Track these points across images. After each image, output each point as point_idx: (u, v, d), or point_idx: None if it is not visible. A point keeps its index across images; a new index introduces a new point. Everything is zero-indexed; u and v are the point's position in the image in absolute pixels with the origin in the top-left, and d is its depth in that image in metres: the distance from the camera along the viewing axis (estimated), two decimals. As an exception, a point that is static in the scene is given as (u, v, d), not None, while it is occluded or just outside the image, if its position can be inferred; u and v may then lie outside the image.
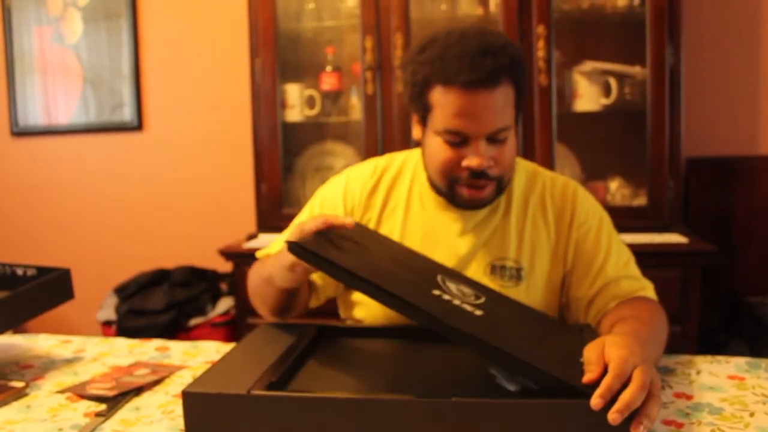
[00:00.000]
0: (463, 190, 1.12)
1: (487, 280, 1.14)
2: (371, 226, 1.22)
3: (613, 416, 0.72)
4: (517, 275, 1.16)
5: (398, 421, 0.79)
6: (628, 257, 1.21)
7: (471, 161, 1.08)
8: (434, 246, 1.18)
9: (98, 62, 2.95)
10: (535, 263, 1.18)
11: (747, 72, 2.45)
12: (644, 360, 0.80)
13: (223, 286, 2.69)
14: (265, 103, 2.39)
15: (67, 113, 3.02)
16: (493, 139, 1.08)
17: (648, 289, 1.18)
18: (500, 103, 1.06)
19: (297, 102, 2.44)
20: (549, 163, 2.19)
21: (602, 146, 2.39)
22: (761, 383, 0.98)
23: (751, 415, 0.87)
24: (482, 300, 0.98)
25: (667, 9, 2.12)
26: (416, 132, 1.18)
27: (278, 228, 1.71)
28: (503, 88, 1.05)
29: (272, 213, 2.40)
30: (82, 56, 2.97)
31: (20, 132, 3.09)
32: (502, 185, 1.14)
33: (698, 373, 1.03)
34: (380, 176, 1.26)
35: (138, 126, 2.95)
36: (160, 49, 2.92)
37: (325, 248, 0.94)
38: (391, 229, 1.22)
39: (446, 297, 0.93)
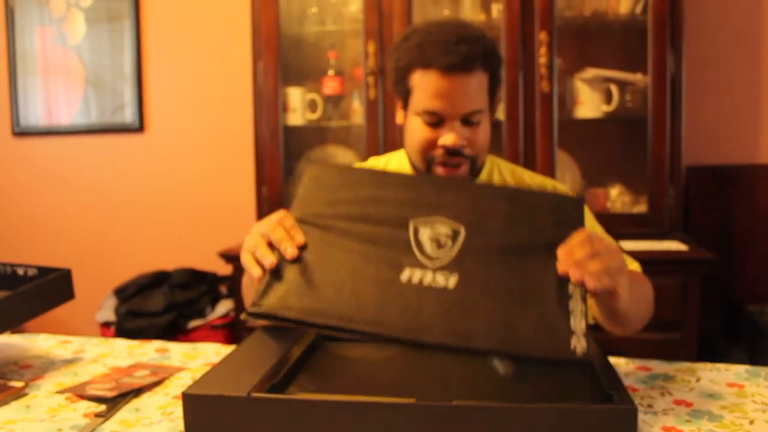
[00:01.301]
0: (439, 168, 1.20)
1: None
2: None
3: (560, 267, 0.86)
4: None
5: (399, 424, 0.79)
6: (616, 247, 1.25)
7: (446, 139, 1.16)
8: None
9: (100, 64, 2.96)
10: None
11: (747, 81, 2.45)
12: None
13: (223, 289, 2.69)
14: (267, 106, 2.40)
15: (68, 114, 3.03)
16: (468, 120, 1.17)
17: (635, 265, 1.24)
18: (474, 87, 1.15)
19: (299, 105, 2.45)
20: (550, 170, 2.19)
21: (603, 153, 2.39)
22: (761, 391, 0.98)
23: (751, 422, 0.87)
24: (459, 244, 0.94)
25: (669, 17, 2.13)
26: (399, 117, 1.27)
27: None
28: (477, 74, 1.15)
29: (273, 216, 2.40)
30: (84, 57, 2.98)
31: (21, 132, 3.09)
32: (475, 166, 1.22)
33: (698, 380, 1.03)
34: None
35: (139, 128, 2.95)
36: (162, 52, 2.92)
37: (289, 297, 0.93)
38: None
39: (417, 275, 0.91)
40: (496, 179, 1.31)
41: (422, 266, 0.92)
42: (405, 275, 0.92)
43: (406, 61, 1.18)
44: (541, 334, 0.85)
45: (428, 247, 0.94)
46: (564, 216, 0.96)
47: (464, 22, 1.21)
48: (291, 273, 0.95)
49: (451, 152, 1.17)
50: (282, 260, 0.96)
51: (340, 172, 1.06)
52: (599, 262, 0.90)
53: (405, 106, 1.23)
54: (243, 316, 0.97)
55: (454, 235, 0.94)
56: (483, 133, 1.20)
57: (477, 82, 1.15)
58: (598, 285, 0.89)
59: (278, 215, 1.01)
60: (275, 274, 0.96)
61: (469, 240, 0.94)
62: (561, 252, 0.92)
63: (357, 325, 0.90)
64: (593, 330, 1.13)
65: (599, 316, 1.09)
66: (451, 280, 0.91)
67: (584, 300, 0.89)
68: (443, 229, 0.95)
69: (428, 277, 0.91)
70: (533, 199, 0.99)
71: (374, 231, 0.96)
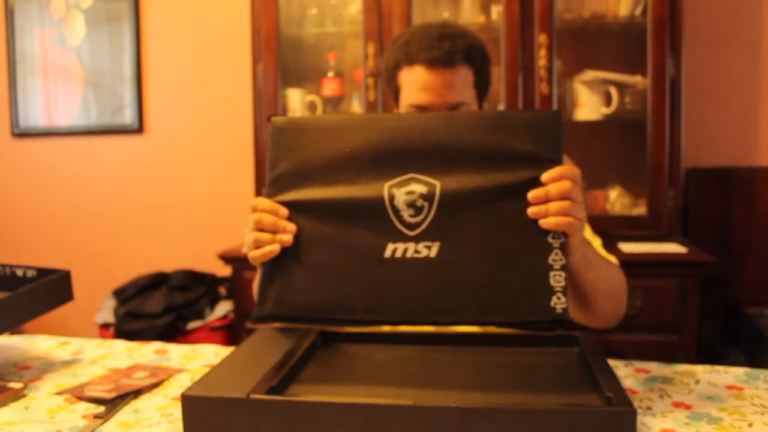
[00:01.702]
0: None
1: None
2: None
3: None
4: None
5: (398, 426, 0.79)
6: (599, 243, 1.31)
7: None
8: None
9: (100, 65, 2.96)
10: None
11: (747, 83, 2.46)
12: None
13: (222, 291, 2.69)
14: (267, 107, 2.40)
15: (68, 115, 3.03)
16: None
17: (612, 258, 1.26)
18: (459, 81, 1.19)
19: (298, 107, 2.45)
20: (549, 172, 2.19)
21: (602, 155, 2.39)
22: (760, 394, 0.98)
23: (750, 425, 0.87)
24: (435, 204, 0.91)
25: (668, 19, 2.13)
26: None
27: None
28: (461, 69, 1.19)
29: (272, 217, 2.40)
30: (83, 59, 2.98)
31: (21, 133, 3.09)
32: None
33: (697, 382, 1.03)
34: None
35: (139, 129, 2.95)
36: (162, 53, 2.92)
37: (287, 295, 0.94)
38: None
39: (400, 249, 0.91)
40: None
41: (403, 238, 0.91)
42: (388, 251, 0.92)
43: (394, 60, 1.23)
44: (522, 297, 0.85)
45: (405, 214, 0.92)
46: (541, 137, 0.92)
47: (450, 23, 1.26)
48: (283, 266, 0.95)
49: None
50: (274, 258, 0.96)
51: (306, 124, 1.00)
52: (565, 206, 0.89)
53: (397, 104, 1.27)
54: (248, 324, 0.98)
55: (430, 194, 0.92)
56: None
57: (461, 77, 1.19)
58: (552, 223, 0.88)
59: (265, 203, 0.97)
60: (268, 268, 0.96)
61: (445, 194, 0.91)
62: (532, 195, 0.90)
63: (349, 315, 0.91)
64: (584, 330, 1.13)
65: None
66: (433, 249, 0.90)
67: (564, 251, 0.88)
68: (418, 188, 0.92)
69: (410, 250, 0.91)
70: (506, 122, 0.94)
71: (353, 203, 0.94)
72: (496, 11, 2.29)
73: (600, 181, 2.35)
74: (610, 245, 2.14)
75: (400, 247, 0.91)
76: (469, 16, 2.34)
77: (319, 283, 0.93)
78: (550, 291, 0.83)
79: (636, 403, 0.93)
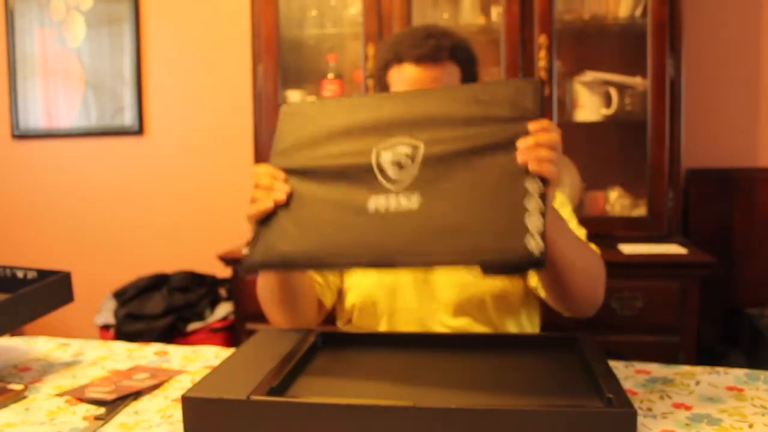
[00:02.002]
0: None
1: None
2: None
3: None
4: None
5: (398, 427, 0.79)
6: (583, 233, 1.30)
7: None
8: None
9: (100, 66, 2.96)
10: None
11: (747, 84, 2.46)
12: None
13: (222, 292, 2.69)
14: (267, 109, 2.40)
15: (68, 117, 3.03)
16: None
17: (581, 233, 1.27)
18: (446, 78, 1.21)
19: (298, 108, 2.44)
20: (549, 173, 2.19)
21: (602, 156, 2.39)
22: (760, 395, 0.98)
23: (750, 426, 0.87)
24: (419, 161, 0.95)
25: (668, 21, 2.13)
26: None
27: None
28: (448, 66, 1.22)
29: (272, 219, 2.40)
30: (84, 60, 2.98)
31: (21, 135, 3.09)
32: None
33: (697, 383, 1.03)
34: None
35: (139, 130, 2.95)
36: (162, 54, 2.92)
37: (276, 244, 0.99)
38: None
39: (382, 203, 0.94)
40: None
41: (386, 191, 0.95)
42: (371, 205, 0.95)
43: (383, 61, 1.26)
44: (498, 238, 0.85)
45: (390, 171, 0.96)
46: (524, 102, 0.95)
47: (436, 25, 1.29)
48: (275, 222, 1.01)
49: None
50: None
51: (311, 107, 1.10)
52: (553, 155, 0.91)
53: None
54: (242, 271, 1.02)
55: (414, 153, 0.96)
56: None
57: (448, 74, 1.22)
58: (537, 168, 0.89)
59: (265, 167, 1.05)
60: (262, 224, 1.02)
61: (429, 153, 0.95)
62: (522, 144, 0.91)
63: (333, 261, 0.94)
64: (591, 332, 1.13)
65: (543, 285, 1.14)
66: (414, 200, 0.93)
67: (543, 200, 0.88)
68: (403, 149, 0.97)
69: (393, 203, 0.94)
70: (489, 92, 0.98)
71: (343, 166, 1.00)
72: (496, 12, 2.29)
73: (600, 182, 2.35)
74: (610, 246, 2.15)
75: (382, 200, 0.94)
76: (468, 17, 2.34)
77: (307, 233, 0.97)
78: (525, 231, 0.83)
79: (636, 405, 0.93)
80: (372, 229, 0.93)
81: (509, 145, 0.92)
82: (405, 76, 1.22)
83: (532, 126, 0.92)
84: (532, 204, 0.87)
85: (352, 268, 1.02)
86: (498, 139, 0.93)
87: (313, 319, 1.29)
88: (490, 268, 0.86)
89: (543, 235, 0.84)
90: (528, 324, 1.36)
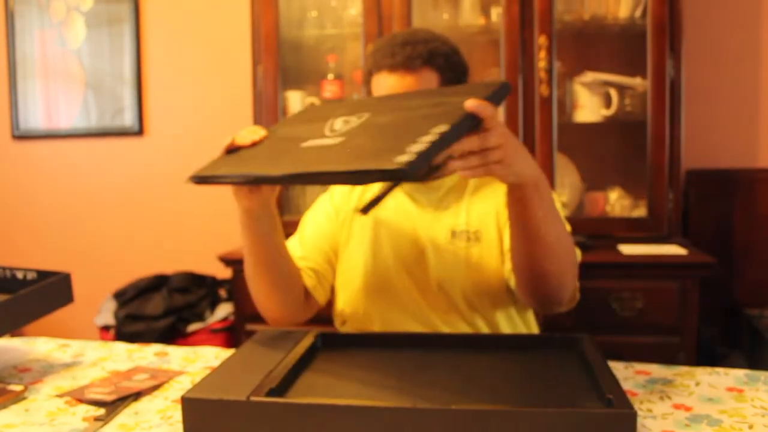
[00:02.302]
0: None
1: (451, 243, 1.31)
2: (350, 214, 1.40)
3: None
4: (474, 237, 1.31)
5: (397, 428, 0.79)
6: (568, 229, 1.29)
7: None
8: (406, 218, 1.35)
9: (100, 67, 2.96)
10: (484, 235, 1.31)
11: (747, 84, 2.46)
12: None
13: (222, 293, 2.69)
14: (267, 109, 2.40)
15: (68, 117, 3.03)
16: None
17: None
18: (420, 86, 1.22)
19: (298, 109, 2.45)
20: (549, 173, 2.19)
21: (602, 157, 2.39)
22: (760, 396, 0.98)
23: (750, 427, 0.87)
24: (362, 120, 1.01)
25: (668, 21, 2.13)
26: None
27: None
28: (424, 73, 1.22)
29: (272, 219, 2.40)
30: (84, 61, 2.98)
31: (21, 135, 3.09)
32: None
33: (697, 384, 1.03)
34: None
35: (139, 131, 2.95)
36: (162, 55, 2.92)
37: (220, 167, 1.08)
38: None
39: (314, 142, 0.99)
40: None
41: (322, 137, 1.00)
42: (306, 144, 1.01)
43: (366, 69, 1.29)
44: (381, 153, 0.85)
45: (336, 126, 1.03)
46: (477, 95, 0.93)
47: (422, 30, 1.29)
48: (228, 155, 1.11)
49: None
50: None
51: (321, 105, 1.21)
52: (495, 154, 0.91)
53: None
54: (187, 181, 1.12)
55: (360, 118, 1.02)
56: None
57: (424, 81, 1.22)
58: (487, 173, 0.91)
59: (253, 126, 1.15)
60: (217, 159, 1.13)
61: (373, 119, 1.00)
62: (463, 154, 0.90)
63: (252, 170, 1.00)
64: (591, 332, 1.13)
65: (517, 270, 1.14)
66: (338, 140, 0.97)
67: (455, 130, 0.86)
68: (354, 118, 1.04)
69: (321, 141, 0.99)
70: (453, 89, 1.03)
71: (306, 128, 1.09)
72: (496, 13, 2.29)
73: (600, 183, 2.35)
74: (610, 247, 2.15)
75: (316, 141, 1.00)
76: (468, 17, 2.34)
77: (249, 159, 1.06)
78: (403, 150, 0.81)
79: (636, 405, 0.93)
80: (296, 154, 0.98)
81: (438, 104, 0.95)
82: (381, 84, 1.25)
83: (468, 103, 0.88)
84: (436, 129, 0.85)
85: (274, 182, 1.10)
86: (437, 108, 0.95)
87: (299, 308, 1.32)
88: (359, 178, 0.85)
89: (422, 155, 0.80)
90: (520, 320, 1.36)
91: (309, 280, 1.34)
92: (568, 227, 1.30)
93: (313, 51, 2.54)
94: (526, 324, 1.39)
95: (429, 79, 1.23)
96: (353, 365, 1.05)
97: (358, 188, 1.43)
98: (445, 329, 1.30)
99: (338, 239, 1.39)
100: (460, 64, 1.28)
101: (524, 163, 0.97)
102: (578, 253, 1.24)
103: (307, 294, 1.34)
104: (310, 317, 1.36)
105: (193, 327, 2.51)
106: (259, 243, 1.22)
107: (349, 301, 1.36)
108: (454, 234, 1.32)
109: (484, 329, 1.31)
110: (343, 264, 1.38)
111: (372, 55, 1.27)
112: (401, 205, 1.37)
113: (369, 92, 1.32)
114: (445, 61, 1.25)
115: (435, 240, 1.31)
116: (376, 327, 1.33)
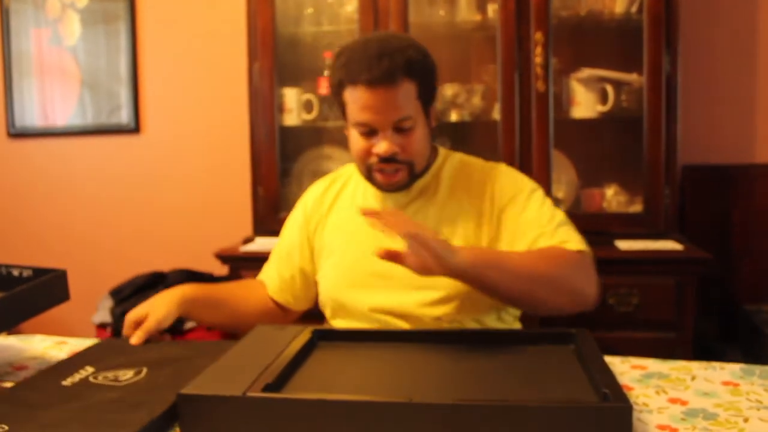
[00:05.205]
0: (377, 175, 1.29)
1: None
2: (320, 222, 1.45)
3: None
4: None
5: (394, 423, 0.79)
6: (558, 220, 1.28)
7: (379, 148, 1.25)
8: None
9: (96, 65, 2.96)
10: (456, 234, 1.30)
11: (744, 80, 2.46)
12: (455, 251, 1.06)
13: (219, 290, 2.69)
14: (263, 106, 2.39)
15: (64, 115, 3.02)
16: (399, 128, 1.24)
17: (571, 243, 1.24)
18: (401, 96, 1.22)
19: (295, 106, 2.44)
20: (545, 169, 2.19)
21: (599, 153, 2.39)
22: (755, 389, 0.98)
23: (745, 420, 0.87)
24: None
25: (664, 17, 2.13)
26: (346, 128, 1.34)
27: (275, 232, 1.71)
28: (403, 84, 1.21)
29: (269, 217, 2.40)
30: (80, 58, 2.97)
31: (17, 133, 3.09)
32: (414, 170, 1.29)
33: (693, 378, 1.03)
34: (330, 182, 1.48)
35: (135, 129, 2.95)
36: (158, 53, 2.92)
37: None
38: (338, 219, 1.42)
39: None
40: (446, 173, 1.36)
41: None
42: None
43: (337, 78, 1.26)
44: None
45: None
46: None
47: (391, 35, 1.31)
48: None
49: (385, 159, 1.25)
50: None
51: None
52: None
53: (345, 119, 1.31)
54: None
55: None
56: (417, 138, 1.26)
57: (404, 92, 1.21)
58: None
59: None
60: None
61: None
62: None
63: None
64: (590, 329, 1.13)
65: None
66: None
67: None
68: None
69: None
70: None
71: None
72: (492, 9, 2.29)
73: (596, 179, 2.35)
74: (606, 243, 2.15)
75: None
76: (465, 14, 2.34)
77: None
78: None
79: (632, 400, 0.93)
80: None
81: None
82: (359, 100, 1.22)
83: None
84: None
85: None
86: None
87: (279, 320, 1.44)
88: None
89: None
90: (508, 316, 1.36)
91: (283, 297, 1.46)
92: (560, 215, 1.29)
93: (309, 48, 2.53)
94: (516, 320, 1.39)
95: (407, 90, 1.22)
96: (349, 361, 1.05)
97: (330, 194, 1.46)
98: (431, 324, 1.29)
99: (312, 245, 1.45)
100: (432, 66, 1.28)
101: (439, 270, 1.05)
102: (588, 251, 1.24)
103: (283, 307, 1.45)
104: (297, 318, 1.47)
105: (189, 324, 2.51)
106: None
107: (329, 297, 1.40)
108: None
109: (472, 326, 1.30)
110: (322, 269, 1.42)
111: (345, 66, 1.23)
112: (370, 206, 1.36)
113: (340, 103, 1.29)
114: (421, 68, 1.24)
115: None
116: (360, 320, 1.33)
